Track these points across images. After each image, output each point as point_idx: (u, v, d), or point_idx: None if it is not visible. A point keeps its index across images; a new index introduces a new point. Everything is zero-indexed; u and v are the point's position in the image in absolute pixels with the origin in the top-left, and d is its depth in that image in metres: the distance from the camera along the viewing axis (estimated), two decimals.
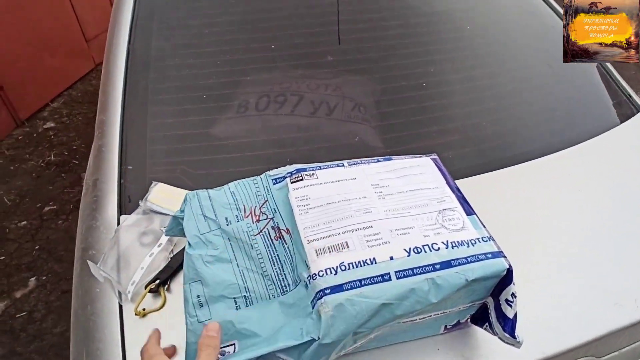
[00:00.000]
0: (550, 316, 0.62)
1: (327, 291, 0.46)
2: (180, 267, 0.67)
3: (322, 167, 0.61)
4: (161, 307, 0.63)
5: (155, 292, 0.64)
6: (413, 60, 0.97)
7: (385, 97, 0.92)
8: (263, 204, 0.59)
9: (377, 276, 0.47)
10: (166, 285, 0.65)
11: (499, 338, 0.53)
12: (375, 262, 0.48)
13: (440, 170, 0.62)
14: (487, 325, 0.55)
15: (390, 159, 0.64)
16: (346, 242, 0.50)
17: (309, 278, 0.48)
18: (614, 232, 0.74)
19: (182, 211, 0.58)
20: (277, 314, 0.50)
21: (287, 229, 0.55)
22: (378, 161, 0.63)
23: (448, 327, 0.57)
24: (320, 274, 0.47)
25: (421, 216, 0.54)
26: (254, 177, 0.61)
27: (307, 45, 0.97)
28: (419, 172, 0.61)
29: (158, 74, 0.91)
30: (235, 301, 0.51)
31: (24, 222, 2.09)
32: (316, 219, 0.53)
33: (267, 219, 0.57)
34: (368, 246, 0.50)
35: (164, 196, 0.76)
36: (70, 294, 1.75)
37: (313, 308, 0.47)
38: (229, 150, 0.83)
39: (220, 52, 0.93)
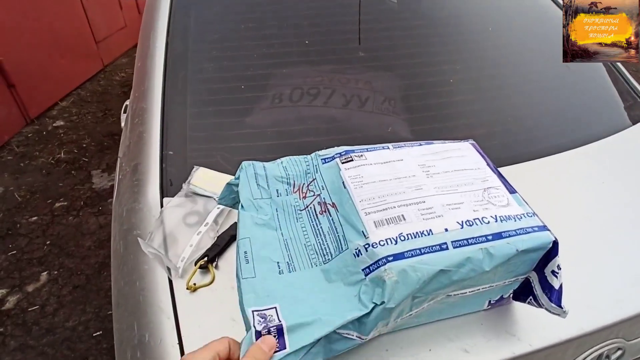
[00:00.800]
0: (585, 295, 0.64)
1: (390, 258, 0.48)
2: (227, 245, 0.70)
3: (369, 149, 0.64)
4: (211, 283, 0.65)
5: (204, 268, 0.66)
6: (440, 59, 1.01)
7: (414, 92, 0.95)
8: (311, 182, 0.62)
9: (435, 245, 0.50)
10: (214, 263, 0.67)
11: (545, 309, 0.55)
12: (432, 234, 0.51)
13: (480, 153, 0.65)
14: (531, 299, 0.57)
15: (432, 143, 0.67)
16: (402, 215, 0.53)
17: (366, 246, 0.51)
18: None
19: (237, 178, 0.61)
20: (319, 280, 0.52)
21: (333, 203, 0.58)
22: (420, 145, 0.66)
23: (492, 302, 0.59)
24: (382, 243, 0.50)
25: (468, 193, 0.57)
26: (305, 156, 0.64)
27: (337, 42, 1.01)
28: (460, 154, 0.64)
29: (196, 66, 0.94)
30: (278, 265, 0.53)
31: (35, 218, 2.09)
32: (371, 193, 0.56)
33: (313, 195, 0.60)
34: (423, 219, 0.53)
35: (206, 179, 0.79)
36: (81, 289, 1.75)
37: (366, 275, 0.49)
38: (266, 138, 0.86)
39: (256, 46, 0.96)
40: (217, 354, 0.44)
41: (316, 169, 0.62)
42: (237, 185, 0.61)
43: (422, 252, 0.49)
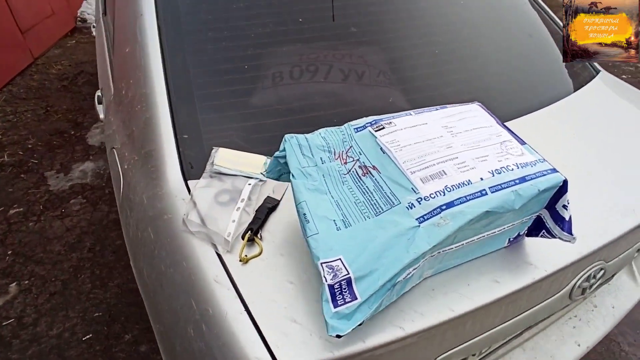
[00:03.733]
0: (577, 226, 0.76)
1: (444, 207, 0.56)
2: (266, 218, 0.73)
3: (394, 117, 0.70)
4: (260, 253, 0.68)
5: (251, 240, 0.69)
6: (423, 31, 1.09)
7: (406, 63, 1.02)
8: (348, 149, 0.67)
9: (476, 192, 0.58)
10: (259, 234, 0.70)
11: (559, 238, 0.66)
12: (471, 183, 0.59)
13: (488, 112, 0.74)
14: (544, 232, 0.68)
15: (446, 107, 0.74)
16: (443, 171, 0.60)
17: (418, 200, 0.57)
18: (611, 163, 0.92)
19: (282, 150, 0.65)
20: (373, 229, 0.57)
21: (374, 166, 0.64)
22: (437, 109, 0.73)
23: (511, 239, 0.69)
24: (432, 196, 0.57)
25: (489, 147, 0.66)
26: (339, 127, 0.69)
27: (328, 18, 1.04)
28: (473, 115, 0.73)
29: (194, 48, 0.93)
30: (335, 223, 0.59)
31: None
32: (410, 154, 0.62)
33: (353, 160, 0.65)
34: (460, 172, 0.60)
35: (228, 159, 0.80)
36: (59, 296, 1.66)
37: (420, 223, 0.56)
38: (277, 115, 0.89)
39: (252, 25, 0.97)
40: None
41: (350, 137, 0.67)
42: (282, 157, 0.65)
43: (468, 199, 0.57)
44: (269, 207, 0.73)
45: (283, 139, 0.66)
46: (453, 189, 0.58)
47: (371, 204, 0.59)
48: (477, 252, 0.68)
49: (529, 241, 0.73)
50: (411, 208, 0.57)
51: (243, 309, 0.61)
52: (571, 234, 0.64)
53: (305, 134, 0.67)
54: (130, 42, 0.97)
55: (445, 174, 0.60)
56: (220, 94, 0.89)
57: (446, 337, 0.67)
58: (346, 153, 0.66)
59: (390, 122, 0.68)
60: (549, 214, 0.66)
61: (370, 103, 0.94)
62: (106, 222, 1.98)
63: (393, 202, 0.58)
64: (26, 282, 1.71)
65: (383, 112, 0.77)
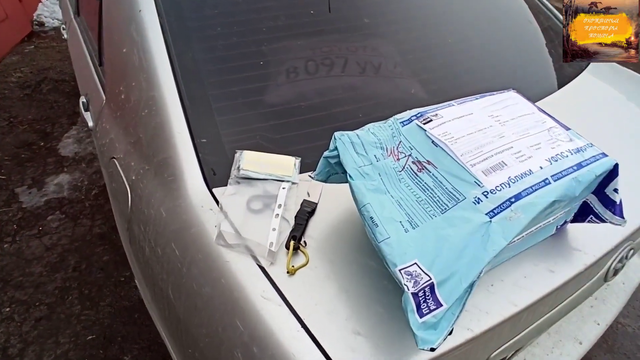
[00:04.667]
0: None
1: (512, 200, 0.53)
2: (307, 223, 0.68)
3: (439, 108, 0.67)
4: (307, 262, 0.63)
5: (296, 249, 0.64)
6: (436, 21, 1.06)
7: (422, 54, 1.00)
8: (398, 144, 0.63)
9: (540, 182, 0.55)
10: (302, 241, 0.65)
11: (609, 222, 0.65)
12: (532, 173, 0.56)
13: (527, 99, 0.72)
14: (591, 217, 0.67)
15: (485, 96, 0.72)
16: (502, 161, 0.57)
17: (485, 194, 0.54)
18: (619, 147, 0.92)
19: (333, 150, 0.60)
20: (444, 227, 0.53)
21: (428, 160, 0.60)
22: (477, 98, 0.71)
23: (558, 227, 0.68)
24: (498, 188, 0.54)
25: (539, 134, 0.64)
26: (385, 120, 0.65)
27: (340, 9, 0.99)
28: (514, 102, 0.70)
29: (202, 45, 0.86)
30: (401, 224, 0.55)
31: None
32: (466, 147, 0.59)
33: (405, 156, 0.62)
34: (519, 161, 0.58)
35: (255, 162, 0.75)
36: (46, 320, 1.54)
37: (491, 218, 0.53)
38: (301, 113, 0.83)
39: (262, 19, 0.91)
40: None
41: (398, 132, 0.64)
42: (333, 157, 0.60)
43: (534, 189, 0.55)
44: (308, 212, 0.68)
45: (332, 137, 0.61)
46: (517, 180, 0.55)
47: (434, 201, 0.56)
48: (530, 243, 0.66)
49: (570, 227, 0.72)
50: (478, 203, 0.54)
51: (299, 326, 0.56)
52: (622, 217, 0.64)
53: (355, 131, 0.62)
54: (127, 42, 0.89)
55: (506, 164, 0.57)
56: (236, 93, 0.83)
57: (503, 333, 0.65)
58: (397, 149, 0.62)
59: (436, 114, 0.65)
60: (597, 199, 0.65)
61: (393, 95, 0.90)
62: (90, 237, 1.85)
63: (458, 198, 0.55)
64: (7, 309, 1.57)
65: (407, 104, 0.74)
